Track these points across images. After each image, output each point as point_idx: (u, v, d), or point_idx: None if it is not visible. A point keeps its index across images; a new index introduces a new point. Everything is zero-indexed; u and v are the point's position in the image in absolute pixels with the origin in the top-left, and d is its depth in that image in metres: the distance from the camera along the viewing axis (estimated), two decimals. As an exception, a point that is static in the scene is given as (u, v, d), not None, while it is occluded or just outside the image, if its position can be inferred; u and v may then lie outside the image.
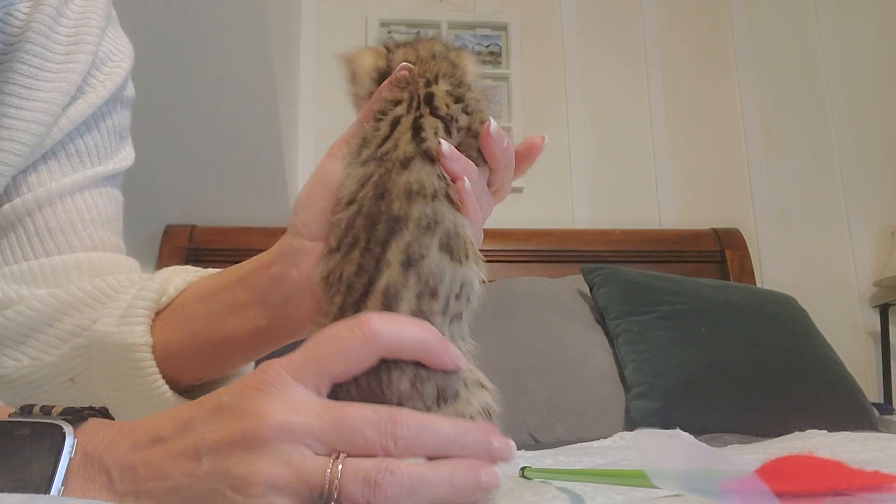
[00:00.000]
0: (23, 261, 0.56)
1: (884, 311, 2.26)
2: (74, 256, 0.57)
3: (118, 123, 0.64)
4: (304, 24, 2.39)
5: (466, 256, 0.40)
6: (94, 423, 0.38)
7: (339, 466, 0.31)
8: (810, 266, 2.35)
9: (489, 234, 2.42)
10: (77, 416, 0.38)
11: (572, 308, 1.80)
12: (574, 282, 1.90)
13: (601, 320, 1.76)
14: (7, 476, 0.35)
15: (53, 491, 0.35)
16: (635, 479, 0.42)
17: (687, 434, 1.17)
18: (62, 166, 0.59)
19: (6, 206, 0.57)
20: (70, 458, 0.35)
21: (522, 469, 0.56)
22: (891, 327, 2.26)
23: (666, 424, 1.30)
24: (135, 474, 0.35)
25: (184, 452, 0.33)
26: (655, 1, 2.54)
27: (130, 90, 0.66)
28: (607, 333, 1.72)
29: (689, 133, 2.46)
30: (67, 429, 0.36)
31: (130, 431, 0.37)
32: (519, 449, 1.04)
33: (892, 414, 1.97)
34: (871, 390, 2.21)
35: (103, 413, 0.40)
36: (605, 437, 1.18)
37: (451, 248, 0.39)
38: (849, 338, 2.25)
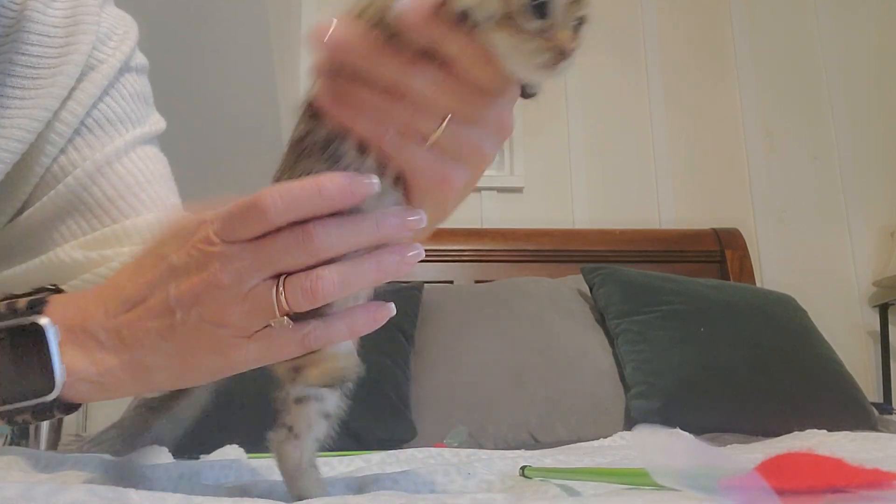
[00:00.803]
0: (94, 231, 0.58)
1: (883, 310, 2.27)
2: (144, 219, 0.59)
3: (139, 90, 0.65)
4: (304, 23, 2.39)
5: None
6: (57, 300, 0.44)
7: (281, 288, 0.39)
8: (810, 266, 2.35)
9: (490, 234, 2.42)
10: (40, 302, 0.44)
11: (572, 308, 1.80)
12: (574, 282, 1.90)
13: (601, 320, 1.76)
14: (15, 383, 0.42)
15: (57, 376, 0.42)
16: (636, 477, 0.42)
17: (687, 433, 1.18)
18: (99, 138, 0.60)
19: (60, 187, 0.58)
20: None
21: (522, 468, 0.56)
22: (890, 327, 2.26)
23: (666, 424, 1.29)
24: (120, 336, 0.42)
25: (159, 310, 0.40)
26: (655, 1, 2.54)
27: (142, 59, 0.67)
28: (607, 333, 1.72)
29: (689, 133, 2.46)
30: (44, 321, 0.42)
31: (99, 299, 0.43)
32: (519, 448, 1.04)
33: (891, 414, 1.97)
34: (871, 390, 2.21)
35: (57, 290, 0.46)
36: (605, 437, 1.18)
37: None
38: (848, 337, 2.25)
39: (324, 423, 0.46)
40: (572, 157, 2.39)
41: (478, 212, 2.31)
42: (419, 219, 0.41)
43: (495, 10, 0.36)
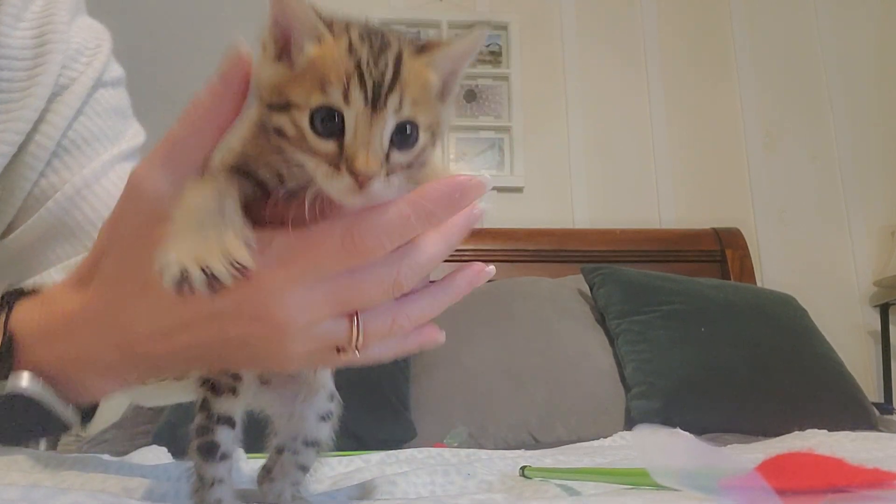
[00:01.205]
0: (79, 255, 0.57)
1: (884, 310, 2.27)
2: None
3: (115, 104, 0.63)
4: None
5: None
6: (25, 307, 0.44)
7: (357, 327, 0.38)
8: (810, 266, 2.35)
9: (490, 234, 2.41)
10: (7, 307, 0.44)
11: (572, 308, 1.80)
12: (574, 281, 1.90)
13: (601, 320, 1.76)
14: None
15: (70, 420, 0.42)
16: (636, 476, 0.42)
17: (687, 433, 1.18)
18: (77, 158, 0.59)
19: (42, 211, 0.57)
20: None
21: (522, 468, 0.56)
22: (891, 327, 2.26)
23: (666, 424, 1.29)
24: (135, 363, 0.41)
25: (192, 349, 0.39)
26: (655, 1, 2.54)
27: (117, 70, 0.65)
28: (607, 333, 1.72)
29: (689, 133, 2.46)
30: (24, 383, 0.42)
31: (101, 329, 0.41)
32: (519, 448, 1.04)
33: (892, 413, 1.97)
34: (872, 390, 2.21)
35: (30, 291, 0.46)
36: (606, 437, 1.17)
37: None
38: (849, 337, 2.25)
39: (300, 472, 0.48)
40: (572, 157, 2.39)
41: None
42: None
43: (292, 133, 0.34)
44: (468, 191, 0.38)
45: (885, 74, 2.55)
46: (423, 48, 0.37)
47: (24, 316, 0.44)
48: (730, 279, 2.15)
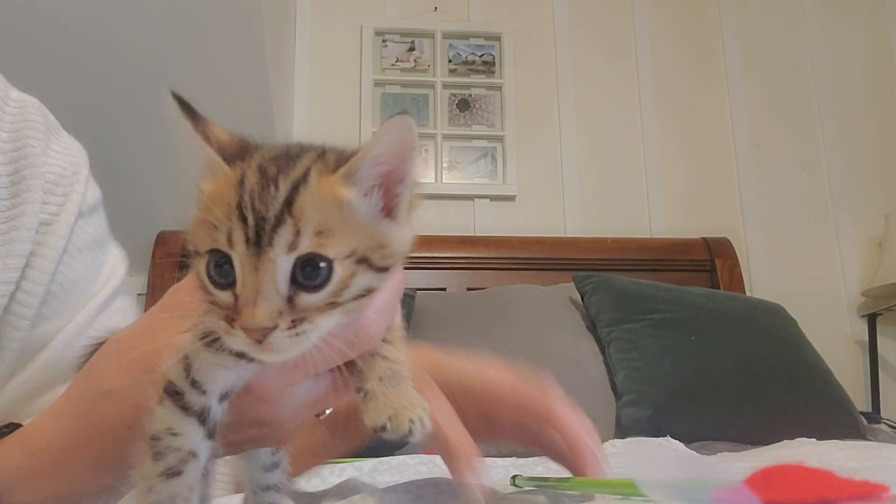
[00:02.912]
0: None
1: (872, 320, 2.28)
2: None
3: (94, 235, 0.60)
4: (298, 33, 2.39)
5: None
6: (3, 447, 0.41)
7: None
8: (799, 275, 2.37)
9: (482, 242, 2.42)
10: None
11: (564, 315, 1.81)
12: (566, 289, 1.90)
13: (592, 328, 1.77)
14: None
15: None
16: (625, 487, 0.42)
17: (677, 442, 1.18)
18: (66, 303, 0.56)
19: (37, 363, 0.55)
20: None
21: (513, 477, 0.56)
22: (879, 337, 2.28)
23: (656, 432, 1.30)
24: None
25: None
26: (647, 12, 2.56)
27: (94, 193, 0.61)
28: (598, 341, 1.73)
29: (680, 143, 2.48)
30: None
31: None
32: (510, 456, 1.04)
33: (879, 423, 1.98)
34: (860, 399, 2.22)
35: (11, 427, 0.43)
36: (597, 446, 1.17)
37: None
38: (837, 347, 2.27)
39: None
40: (564, 166, 2.40)
41: (470, 219, 2.31)
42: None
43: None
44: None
45: (874, 85, 2.58)
46: (339, 162, 0.32)
47: (1, 456, 0.41)
48: (719, 288, 2.16)
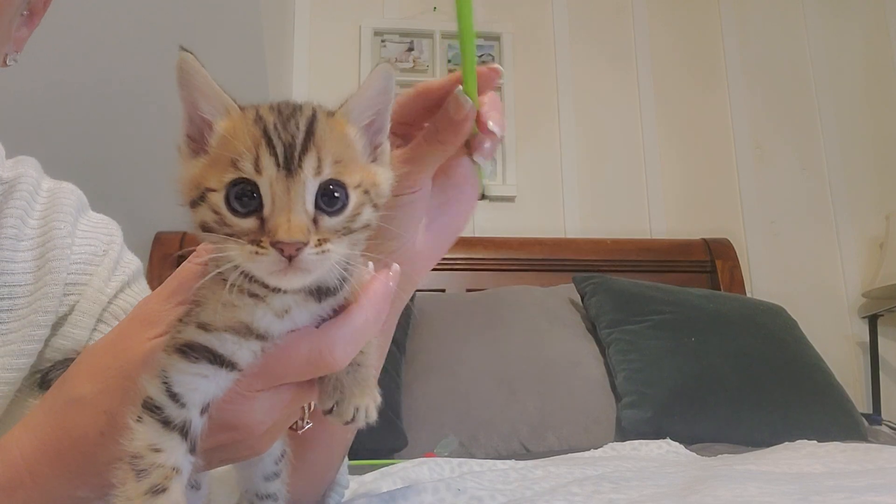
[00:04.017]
0: None
1: (873, 321, 2.28)
2: None
3: (133, 302, 0.59)
4: (297, 33, 2.39)
5: None
6: None
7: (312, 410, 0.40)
8: (800, 276, 2.36)
9: (482, 243, 2.41)
10: None
11: (564, 317, 1.80)
12: (566, 290, 1.90)
13: (592, 329, 1.76)
14: None
15: None
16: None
17: (677, 444, 1.18)
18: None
19: None
20: None
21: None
22: (879, 338, 2.28)
23: (657, 434, 1.30)
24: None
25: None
26: (647, 13, 2.56)
27: (132, 265, 0.61)
28: (598, 342, 1.72)
29: (680, 144, 2.47)
30: None
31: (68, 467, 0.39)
32: (510, 458, 1.04)
33: (880, 424, 1.98)
34: (860, 400, 2.22)
35: None
36: (596, 447, 1.17)
37: None
38: (838, 348, 2.26)
39: None
40: (564, 166, 2.40)
41: (470, 221, 2.31)
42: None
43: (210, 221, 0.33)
44: (395, 281, 0.38)
45: (873, 88, 2.57)
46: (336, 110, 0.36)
47: None
48: (720, 289, 2.15)
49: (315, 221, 0.32)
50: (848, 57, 2.59)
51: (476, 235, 2.27)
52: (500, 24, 2.47)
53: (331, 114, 0.35)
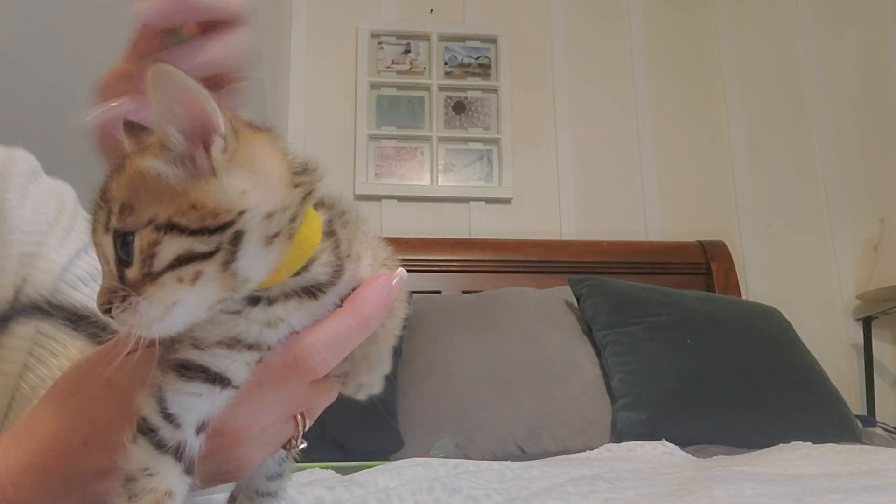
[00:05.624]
0: None
1: (867, 323, 2.29)
2: None
3: (90, 271, 0.58)
4: (294, 35, 2.39)
5: None
6: None
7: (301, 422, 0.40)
8: (795, 279, 2.37)
9: (478, 245, 2.41)
10: None
11: (559, 319, 1.80)
12: (561, 292, 1.90)
13: (588, 331, 1.76)
14: None
15: None
16: None
17: (672, 445, 1.18)
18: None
19: None
20: None
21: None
22: (874, 340, 2.28)
23: (652, 436, 1.30)
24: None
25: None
26: (643, 16, 2.57)
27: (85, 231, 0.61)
28: (594, 344, 1.73)
29: (675, 146, 2.48)
30: None
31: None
32: (506, 460, 1.04)
33: (874, 426, 1.98)
34: (855, 403, 2.22)
35: None
36: (592, 449, 1.17)
37: None
38: (833, 350, 2.27)
39: None
40: (560, 168, 2.40)
41: (466, 222, 2.31)
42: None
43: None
44: (396, 288, 0.37)
45: (867, 91, 2.59)
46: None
47: None
48: (715, 292, 2.16)
49: (122, 277, 0.32)
50: (842, 61, 2.60)
51: (472, 237, 2.27)
52: (496, 27, 2.48)
53: (142, 151, 0.33)
